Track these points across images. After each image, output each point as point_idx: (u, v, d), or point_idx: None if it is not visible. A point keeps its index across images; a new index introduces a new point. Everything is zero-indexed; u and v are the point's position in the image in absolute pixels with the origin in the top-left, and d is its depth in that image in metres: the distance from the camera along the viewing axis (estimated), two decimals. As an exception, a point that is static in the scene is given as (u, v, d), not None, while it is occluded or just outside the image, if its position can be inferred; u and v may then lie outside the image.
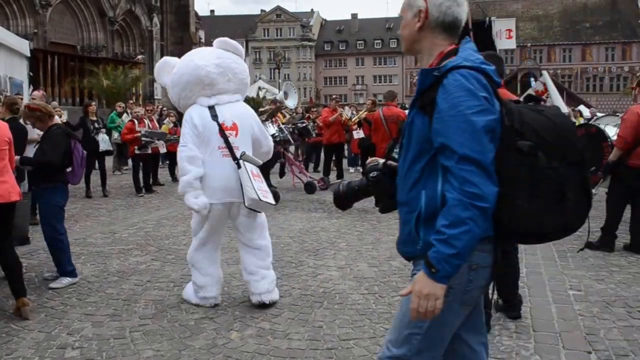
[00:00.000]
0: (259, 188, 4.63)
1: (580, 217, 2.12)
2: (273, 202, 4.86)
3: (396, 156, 5.56)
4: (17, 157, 5.40)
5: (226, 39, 5.21)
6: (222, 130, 4.74)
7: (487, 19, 12.81)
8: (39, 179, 5.51)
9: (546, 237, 2.20)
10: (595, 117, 13.02)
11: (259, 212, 4.90)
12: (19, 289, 4.67)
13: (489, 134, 2.00)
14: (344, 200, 2.47)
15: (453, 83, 2.03)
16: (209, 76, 4.84)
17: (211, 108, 4.82)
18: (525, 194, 2.02)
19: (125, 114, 14.10)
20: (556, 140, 2.05)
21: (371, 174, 2.46)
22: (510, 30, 12.96)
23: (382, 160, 2.46)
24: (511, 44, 13.47)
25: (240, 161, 4.69)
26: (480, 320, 2.41)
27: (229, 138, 4.75)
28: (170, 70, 5.05)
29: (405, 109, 14.96)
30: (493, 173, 1.98)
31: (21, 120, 8.14)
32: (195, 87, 4.85)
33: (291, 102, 15.63)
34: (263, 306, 4.80)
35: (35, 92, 10.12)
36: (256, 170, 4.83)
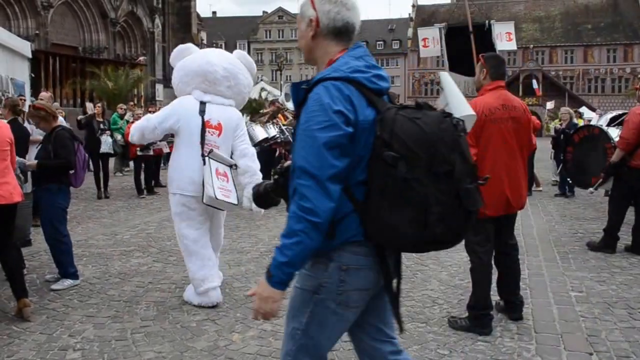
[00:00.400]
0: (219, 187, 4.75)
1: (453, 230, 2.07)
2: (234, 202, 4.95)
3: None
4: (34, 162, 5.42)
5: (245, 53, 5.48)
6: (204, 126, 4.86)
7: (487, 22, 12.85)
8: (42, 180, 5.50)
9: (416, 248, 2.18)
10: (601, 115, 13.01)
11: (220, 209, 5.05)
12: (20, 290, 4.66)
13: (334, 149, 2.01)
14: (261, 200, 2.50)
15: (313, 97, 2.07)
16: (214, 75, 4.98)
17: (202, 103, 4.95)
18: (388, 205, 2.03)
19: (129, 114, 14.09)
20: (423, 151, 2.00)
21: (275, 177, 2.47)
22: (510, 33, 13.03)
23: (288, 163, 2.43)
24: (512, 46, 13.55)
25: (206, 158, 4.80)
26: (387, 329, 2.42)
27: (211, 136, 4.90)
28: (186, 56, 5.20)
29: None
30: (331, 188, 2.01)
31: (26, 123, 8.19)
32: (197, 78, 4.99)
33: (292, 104, 15.62)
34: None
35: (43, 93, 10.16)
36: (223, 169, 4.94)
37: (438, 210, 2.00)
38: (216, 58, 5.11)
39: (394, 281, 2.28)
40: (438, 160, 2.00)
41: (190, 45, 5.49)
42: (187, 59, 5.15)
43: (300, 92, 2.16)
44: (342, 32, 2.24)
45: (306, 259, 2.11)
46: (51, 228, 5.49)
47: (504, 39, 12.93)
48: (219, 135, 4.96)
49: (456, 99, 2.36)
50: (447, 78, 3.00)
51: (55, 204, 5.47)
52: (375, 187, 2.05)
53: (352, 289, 2.17)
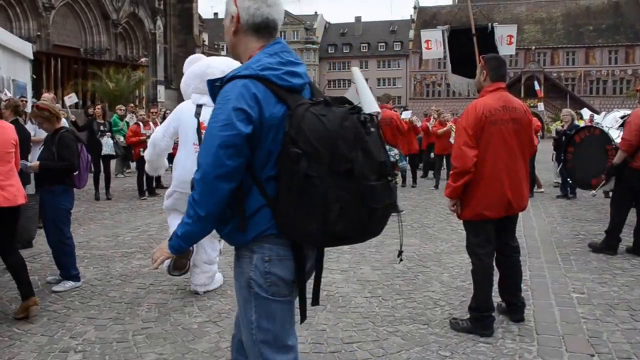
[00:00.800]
0: None
1: (356, 226, 2.10)
2: None
3: None
4: (37, 163, 5.40)
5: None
6: (199, 128, 5.04)
7: (490, 24, 12.87)
8: (46, 182, 5.48)
9: (322, 243, 2.23)
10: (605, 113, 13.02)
11: None
12: (27, 290, 4.69)
13: (229, 149, 2.08)
14: None
15: (221, 95, 2.15)
16: (210, 76, 4.98)
17: (198, 106, 5.16)
18: (293, 201, 2.08)
19: (130, 115, 14.09)
20: (324, 148, 2.03)
21: None
22: (510, 36, 13.06)
23: None
24: (510, 50, 13.57)
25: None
26: None
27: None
28: (195, 63, 5.50)
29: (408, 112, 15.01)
30: (219, 187, 2.10)
31: (28, 123, 8.22)
32: (196, 79, 5.21)
33: None
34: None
35: (46, 94, 10.14)
36: None
37: (337, 207, 2.04)
38: (216, 62, 5.37)
39: (313, 273, 2.38)
40: (338, 157, 2.02)
41: (200, 55, 5.79)
42: (195, 65, 5.42)
43: (215, 89, 2.23)
44: (262, 28, 2.29)
45: (195, 240, 2.27)
46: (55, 230, 5.49)
47: (505, 42, 12.95)
48: None
49: (366, 95, 2.34)
50: (358, 74, 3.00)
51: (60, 205, 5.47)
52: (283, 182, 2.11)
53: (278, 278, 2.22)
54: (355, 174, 2.03)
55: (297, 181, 2.05)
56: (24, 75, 11.80)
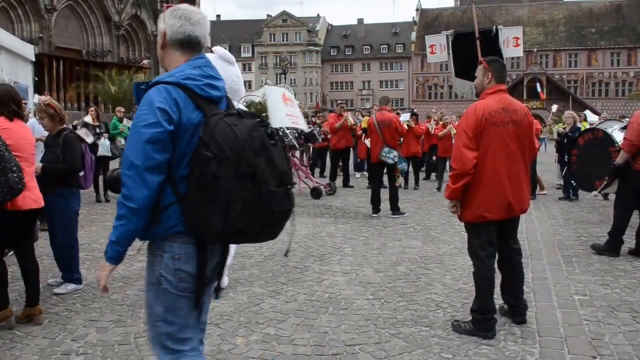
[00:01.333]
0: None
1: (256, 224, 2.32)
2: None
3: (384, 158, 6.04)
4: (39, 165, 5.28)
5: (220, 48, 5.81)
6: None
7: (494, 27, 12.88)
8: (54, 184, 5.36)
9: (225, 238, 2.42)
10: (600, 122, 13.02)
11: None
12: (34, 296, 4.69)
13: (156, 144, 2.30)
14: (113, 185, 2.64)
15: (146, 97, 2.38)
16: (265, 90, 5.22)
17: None
18: (201, 198, 2.31)
19: (125, 120, 14.08)
20: (232, 153, 2.26)
21: None
22: (517, 38, 13.06)
23: None
24: (518, 52, 13.58)
25: None
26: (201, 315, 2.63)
27: None
28: None
29: (414, 115, 15.01)
30: (149, 179, 2.31)
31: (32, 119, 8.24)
32: None
33: None
34: (261, 309, 4.84)
35: (40, 97, 10.11)
36: None
37: (240, 205, 2.27)
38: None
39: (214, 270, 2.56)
40: (244, 162, 2.26)
41: None
42: None
43: (140, 92, 2.45)
44: (185, 44, 2.55)
45: (130, 239, 2.41)
46: (64, 232, 5.48)
47: (511, 44, 12.95)
48: None
49: (273, 111, 2.46)
50: (269, 91, 3.06)
51: (69, 208, 5.46)
52: (194, 182, 2.33)
53: (187, 275, 2.42)
54: (257, 178, 2.27)
55: (206, 181, 2.28)
56: (26, 77, 11.85)
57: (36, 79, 13.47)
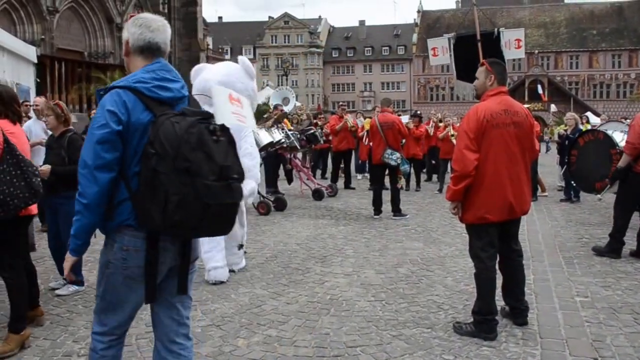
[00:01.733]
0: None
1: (192, 218, 2.45)
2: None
3: (387, 160, 6.25)
4: (47, 167, 5.23)
5: (245, 59, 6.23)
6: None
7: (496, 30, 12.91)
8: (59, 186, 5.29)
9: (167, 231, 2.53)
10: (601, 123, 13.03)
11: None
12: (33, 299, 4.63)
13: (105, 144, 2.49)
14: None
15: (101, 101, 2.59)
16: (206, 83, 5.79)
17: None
18: (146, 193, 2.47)
19: None
20: (172, 149, 2.42)
21: None
22: (519, 40, 13.08)
23: None
24: (520, 54, 13.60)
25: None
26: (182, 308, 2.85)
27: None
28: (200, 74, 6.05)
29: (417, 116, 15.04)
30: (99, 176, 2.50)
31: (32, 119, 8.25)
32: (201, 95, 5.54)
33: (287, 108, 15.92)
34: (263, 311, 4.84)
35: (37, 98, 10.06)
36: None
37: (176, 199, 2.41)
38: (211, 74, 5.98)
39: (177, 265, 2.69)
40: (180, 157, 2.41)
41: (204, 65, 6.33)
42: (198, 78, 5.98)
43: (99, 97, 2.65)
44: (145, 50, 2.73)
45: (87, 233, 2.63)
46: (68, 235, 5.44)
47: (513, 46, 12.96)
48: None
49: (219, 110, 2.61)
50: (214, 91, 3.15)
51: (74, 210, 5.43)
52: (142, 177, 2.50)
53: (134, 265, 2.60)
54: (191, 172, 2.41)
55: (149, 176, 2.45)
56: (28, 78, 11.86)
57: (38, 80, 13.47)
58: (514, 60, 52.26)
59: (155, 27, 2.75)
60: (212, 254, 5.78)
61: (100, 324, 2.77)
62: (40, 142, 7.20)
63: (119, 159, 2.54)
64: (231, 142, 2.58)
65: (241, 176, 2.56)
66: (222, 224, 2.59)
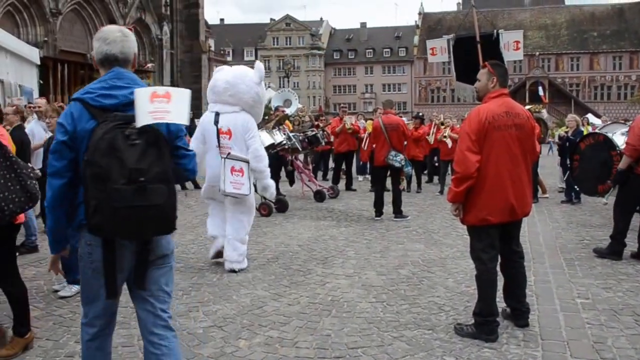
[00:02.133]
0: (231, 181, 6.18)
1: (107, 222, 2.60)
2: (245, 192, 6.24)
3: (391, 162, 6.36)
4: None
5: (261, 65, 6.62)
6: (218, 134, 6.26)
7: (495, 31, 12.93)
8: None
9: (99, 234, 2.70)
10: (603, 125, 13.06)
11: (241, 197, 6.28)
12: (23, 322, 4.20)
13: (55, 154, 2.77)
14: None
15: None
16: (217, 87, 6.38)
17: (217, 114, 6.27)
18: (84, 197, 2.67)
19: None
20: (89, 157, 2.60)
21: None
22: (517, 42, 13.12)
23: None
24: (518, 56, 13.65)
25: (223, 159, 6.20)
26: (156, 302, 3.00)
27: (224, 140, 6.27)
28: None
29: (420, 118, 15.07)
30: (52, 182, 2.77)
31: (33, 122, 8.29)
32: (209, 92, 6.55)
33: (289, 110, 15.95)
34: (264, 312, 4.85)
35: (38, 100, 10.09)
36: (239, 166, 6.21)
37: (94, 204, 2.59)
38: (223, 75, 6.46)
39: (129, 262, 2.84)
40: (93, 163, 2.58)
41: (222, 67, 6.89)
42: (211, 78, 6.68)
43: None
44: (104, 62, 2.92)
45: (55, 232, 2.89)
46: (72, 236, 5.45)
47: (512, 47, 12.99)
48: (229, 138, 6.25)
49: (138, 111, 2.65)
50: (140, 94, 3.15)
51: None
52: (84, 180, 2.68)
53: (97, 259, 2.78)
54: (103, 177, 2.55)
55: (83, 181, 2.67)
56: (31, 80, 11.90)
57: (41, 82, 13.51)
58: (514, 62, 52.30)
59: (112, 39, 2.90)
60: (212, 229, 6.70)
61: (84, 315, 2.99)
62: (42, 144, 7.25)
63: (67, 166, 2.76)
64: (153, 144, 2.65)
65: (160, 177, 2.62)
66: (138, 227, 2.64)
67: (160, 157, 2.66)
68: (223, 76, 6.37)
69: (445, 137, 13.27)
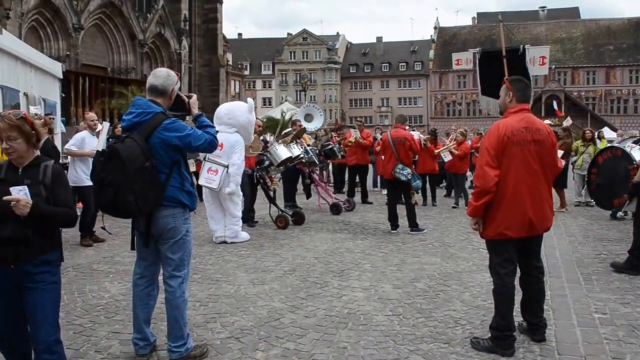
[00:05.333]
0: (205, 177, 8.49)
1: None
2: (214, 187, 8.43)
3: (397, 175, 8.75)
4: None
5: (251, 101, 9.34)
6: None
7: (521, 46, 13.05)
8: None
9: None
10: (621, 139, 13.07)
11: (211, 189, 8.56)
12: None
13: None
14: None
15: None
16: (219, 113, 8.91)
17: (216, 132, 7.13)
18: None
19: None
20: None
21: None
22: (543, 57, 13.26)
23: None
24: (543, 70, 13.87)
25: (203, 160, 8.63)
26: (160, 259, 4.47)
27: (217, 150, 7.10)
28: None
29: (433, 133, 15.09)
30: None
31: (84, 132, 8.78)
32: (215, 118, 8.76)
33: (312, 125, 15.89)
34: (281, 324, 4.91)
35: (92, 114, 10.36)
36: (215, 167, 8.42)
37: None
38: (224, 105, 9.44)
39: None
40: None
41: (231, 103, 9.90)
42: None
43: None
44: (149, 91, 4.07)
45: None
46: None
47: (537, 62, 13.09)
48: (220, 149, 8.24)
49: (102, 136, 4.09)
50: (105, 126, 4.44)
51: None
52: None
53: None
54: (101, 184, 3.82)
55: None
56: (54, 93, 12.11)
57: (63, 95, 13.74)
58: (535, 76, 52.13)
59: (158, 74, 4.11)
60: (213, 226, 8.86)
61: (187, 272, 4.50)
62: (91, 153, 7.89)
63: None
64: (109, 160, 3.75)
65: (110, 183, 3.73)
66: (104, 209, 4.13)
67: (115, 169, 3.73)
68: (224, 106, 9.27)
69: (443, 151, 13.38)
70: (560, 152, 12.30)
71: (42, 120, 7.67)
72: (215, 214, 8.81)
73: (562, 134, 13.37)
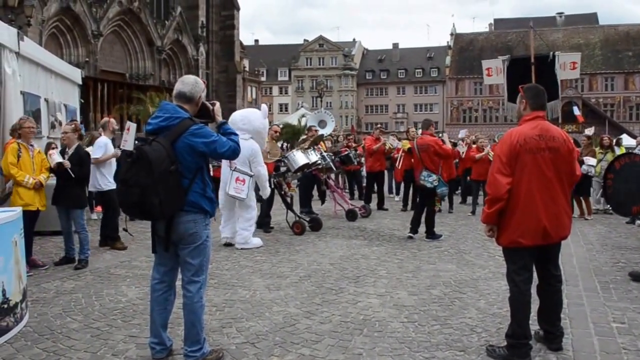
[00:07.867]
0: (234, 187, 8.66)
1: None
2: (243, 197, 8.72)
3: (423, 182, 8.55)
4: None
5: (265, 107, 9.56)
6: None
7: (551, 53, 13.05)
8: None
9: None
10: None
11: (240, 199, 8.78)
12: None
13: None
14: None
15: None
16: (234, 119, 8.93)
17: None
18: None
19: None
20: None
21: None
22: (574, 63, 13.38)
23: None
24: (575, 75, 14.09)
25: (231, 170, 8.71)
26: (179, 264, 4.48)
27: None
28: None
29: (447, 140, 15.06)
30: None
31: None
32: (229, 123, 8.48)
33: (325, 131, 16.01)
34: (296, 330, 4.94)
35: (112, 120, 10.50)
36: (242, 177, 8.70)
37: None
38: (239, 112, 9.63)
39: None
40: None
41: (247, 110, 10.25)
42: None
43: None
44: (176, 97, 4.18)
45: None
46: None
47: (568, 67, 13.10)
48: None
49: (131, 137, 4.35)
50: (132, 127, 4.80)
51: None
52: None
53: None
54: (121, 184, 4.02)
55: None
56: (73, 99, 12.27)
57: (82, 101, 13.91)
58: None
59: (186, 81, 4.21)
60: (222, 227, 9.18)
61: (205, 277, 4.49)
62: (115, 154, 8.48)
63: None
64: (137, 162, 3.83)
65: (135, 184, 3.82)
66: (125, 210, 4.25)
67: (140, 170, 3.82)
68: (239, 112, 9.46)
69: (481, 157, 13.27)
70: (592, 160, 12.29)
71: (74, 125, 7.87)
72: (228, 219, 9.12)
73: (586, 141, 13.30)
